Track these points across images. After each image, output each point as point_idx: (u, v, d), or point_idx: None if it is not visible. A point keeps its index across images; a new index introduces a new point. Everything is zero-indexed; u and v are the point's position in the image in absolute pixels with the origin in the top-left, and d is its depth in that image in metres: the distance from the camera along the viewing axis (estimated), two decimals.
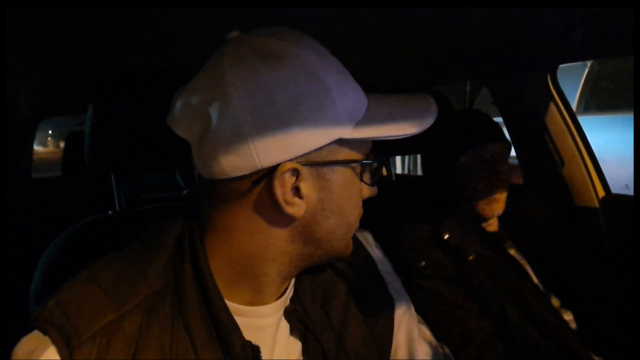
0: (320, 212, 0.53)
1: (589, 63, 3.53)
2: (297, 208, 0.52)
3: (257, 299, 0.56)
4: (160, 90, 0.64)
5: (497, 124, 1.11)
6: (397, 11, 0.93)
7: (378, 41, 1.19)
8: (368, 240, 0.75)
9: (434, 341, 0.77)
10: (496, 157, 1.05)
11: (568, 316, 1.02)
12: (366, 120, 0.53)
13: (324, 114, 0.50)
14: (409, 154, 4.62)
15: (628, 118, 3.22)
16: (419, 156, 5.68)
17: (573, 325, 1.02)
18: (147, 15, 0.87)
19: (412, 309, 0.74)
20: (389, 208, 1.09)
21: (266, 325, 0.57)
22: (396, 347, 0.70)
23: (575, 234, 1.16)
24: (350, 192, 0.56)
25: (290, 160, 0.50)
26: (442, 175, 1.10)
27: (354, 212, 0.57)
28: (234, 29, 0.55)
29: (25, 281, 0.76)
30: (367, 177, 0.58)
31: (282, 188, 0.50)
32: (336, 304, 0.63)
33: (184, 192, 1.73)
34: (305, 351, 0.59)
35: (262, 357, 0.53)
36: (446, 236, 0.99)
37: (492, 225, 1.09)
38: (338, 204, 0.54)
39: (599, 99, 3.56)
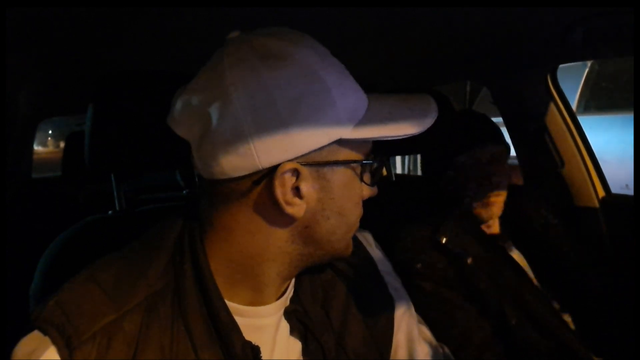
0: (320, 212, 0.53)
1: (589, 63, 3.53)
2: (297, 208, 0.52)
3: (257, 299, 0.56)
4: (160, 90, 0.64)
5: (496, 126, 1.11)
6: (397, 11, 0.93)
7: (378, 41, 1.19)
8: (368, 241, 0.75)
9: (434, 341, 0.77)
10: (495, 159, 1.05)
11: (567, 319, 1.02)
12: (366, 120, 0.53)
13: (324, 114, 0.50)
14: (409, 154, 4.62)
15: (628, 118, 3.22)
16: (419, 156, 5.69)
17: (572, 326, 1.02)
18: (147, 15, 0.87)
19: (412, 309, 0.74)
20: (389, 208, 1.08)
21: (266, 325, 0.57)
22: (396, 347, 0.70)
23: (575, 234, 1.16)
24: (350, 192, 0.56)
25: (291, 160, 0.50)
26: (442, 175, 1.10)
27: (354, 212, 0.57)
28: (234, 29, 0.55)
29: (25, 281, 0.76)
30: (367, 177, 0.58)
31: (282, 188, 0.50)
32: (336, 304, 0.63)
33: (184, 192, 1.73)
34: (305, 351, 0.59)
35: (262, 357, 0.53)
36: (444, 240, 0.98)
37: (493, 227, 1.09)
38: (338, 204, 0.54)
39: (599, 99, 3.56)
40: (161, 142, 0.82)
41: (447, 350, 0.79)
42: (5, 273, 1.11)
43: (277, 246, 0.54)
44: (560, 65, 1.45)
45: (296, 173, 0.51)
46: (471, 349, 0.90)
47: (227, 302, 0.53)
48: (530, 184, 1.60)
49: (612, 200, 1.45)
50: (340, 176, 0.54)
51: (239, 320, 0.53)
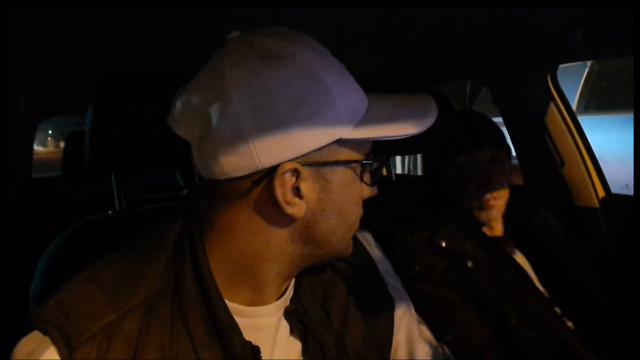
0: (320, 213, 0.53)
1: (589, 63, 3.53)
2: (297, 208, 0.52)
3: (257, 299, 0.56)
4: (160, 90, 0.64)
5: (497, 127, 1.10)
6: (397, 11, 0.93)
7: (378, 41, 1.19)
8: (368, 241, 0.75)
9: (434, 341, 0.77)
10: (494, 160, 1.04)
11: (567, 320, 1.02)
12: (366, 120, 0.53)
13: (324, 114, 0.50)
14: (409, 154, 4.62)
15: (628, 118, 3.22)
16: (419, 156, 5.69)
17: (572, 327, 1.01)
18: (147, 15, 0.87)
19: (412, 309, 0.74)
20: (389, 208, 1.08)
21: (266, 325, 0.57)
22: (396, 347, 0.70)
23: (575, 234, 1.15)
24: (350, 192, 0.56)
25: (291, 160, 0.50)
26: (442, 175, 1.10)
27: (354, 213, 0.57)
28: (234, 29, 0.55)
29: (25, 281, 0.76)
30: (367, 177, 0.58)
31: (282, 188, 0.50)
32: (336, 304, 0.63)
33: (184, 192, 1.73)
34: (305, 351, 0.59)
35: (262, 358, 0.53)
36: (444, 244, 0.98)
37: (496, 229, 1.08)
38: (338, 204, 0.54)
39: (599, 99, 3.56)
40: (161, 142, 0.82)
41: (447, 350, 0.79)
42: (5, 273, 1.11)
43: (277, 246, 0.54)
44: (560, 65, 1.45)
45: (296, 173, 0.51)
46: (471, 349, 0.90)
47: (227, 302, 0.53)
48: (530, 184, 1.60)
49: (612, 200, 1.45)
50: (340, 176, 0.54)
51: (239, 320, 0.53)
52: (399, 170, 5.75)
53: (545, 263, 1.07)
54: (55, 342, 0.47)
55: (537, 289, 1.00)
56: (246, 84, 0.49)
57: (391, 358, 0.68)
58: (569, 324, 1.00)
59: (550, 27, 1.03)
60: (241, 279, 0.55)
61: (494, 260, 1.00)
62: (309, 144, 0.50)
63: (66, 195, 2.10)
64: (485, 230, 1.06)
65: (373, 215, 0.65)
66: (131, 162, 0.85)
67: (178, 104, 0.53)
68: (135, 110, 0.83)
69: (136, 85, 0.86)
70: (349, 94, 0.53)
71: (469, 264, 0.97)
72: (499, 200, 1.04)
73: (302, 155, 0.50)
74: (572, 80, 3.53)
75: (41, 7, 0.78)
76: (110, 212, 0.92)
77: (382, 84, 1.64)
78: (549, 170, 1.52)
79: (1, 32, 0.83)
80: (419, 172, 5.57)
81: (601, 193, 1.47)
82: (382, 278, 0.72)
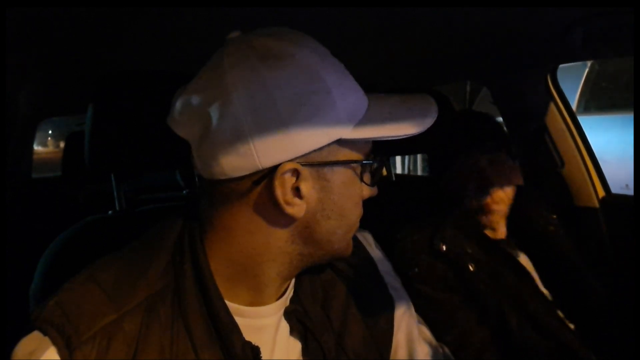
0: (320, 213, 0.53)
1: (589, 63, 3.53)
2: (297, 208, 0.52)
3: (257, 299, 0.56)
4: (160, 90, 0.64)
5: (500, 128, 1.07)
6: (397, 11, 0.93)
7: (378, 41, 1.19)
8: (368, 241, 0.75)
9: (433, 341, 0.77)
10: (496, 162, 1.01)
11: (570, 325, 1.01)
12: (366, 120, 0.53)
13: (324, 114, 0.50)
14: (409, 154, 4.62)
15: (628, 118, 3.22)
16: (419, 156, 5.69)
17: (572, 328, 1.01)
18: (147, 15, 0.87)
19: (412, 309, 0.74)
20: (389, 208, 1.08)
21: (266, 325, 0.57)
22: (396, 347, 0.70)
23: (575, 234, 1.15)
24: (350, 192, 0.56)
25: (291, 160, 0.50)
26: (442, 175, 1.10)
27: (354, 213, 0.57)
28: (234, 29, 0.55)
29: (25, 281, 0.76)
30: (367, 177, 0.58)
31: (282, 188, 0.50)
32: (336, 304, 0.63)
33: (184, 192, 1.73)
34: (305, 351, 0.58)
35: (262, 358, 0.53)
36: (444, 248, 0.96)
37: (499, 232, 1.06)
38: (338, 204, 0.54)
39: (599, 99, 3.56)
40: (161, 142, 0.82)
41: (447, 350, 0.79)
42: (5, 273, 1.11)
43: (277, 246, 0.54)
44: (560, 65, 1.45)
45: (296, 173, 0.51)
46: (471, 349, 0.90)
47: (227, 302, 0.53)
48: (530, 184, 1.60)
49: (612, 200, 1.45)
50: (340, 176, 0.54)
51: (239, 320, 0.53)
52: (399, 170, 5.76)
53: (547, 264, 1.07)
54: (55, 342, 0.47)
55: (538, 289, 1.00)
56: (246, 84, 0.49)
57: (391, 358, 0.68)
58: (571, 325, 1.00)
59: (550, 27, 1.03)
60: (241, 279, 0.55)
61: (494, 262, 0.99)
62: (309, 144, 0.50)
63: (66, 195, 2.10)
64: (487, 232, 1.05)
65: (373, 215, 0.65)
66: (131, 162, 0.85)
67: (178, 104, 0.53)
68: (135, 110, 0.83)
69: (136, 85, 0.86)
70: (349, 94, 0.53)
71: (470, 267, 0.96)
72: (500, 204, 1.02)
73: (302, 156, 0.50)
74: (572, 80, 3.53)
75: (41, 7, 0.78)
76: (110, 212, 0.92)
77: (382, 84, 1.64)
78: (549, 170, 1.52)
79: (1, 32, 0.83)
80: (419, 172, 5.57)
81: (601, 193, 1.46)
82: (382, 278, 0.72)
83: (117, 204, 0.95)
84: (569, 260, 1.07)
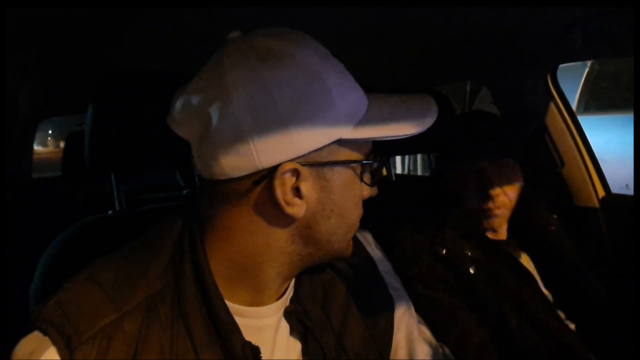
0: (320, 213, 0.54)
1: (589, 63, 3.53)
2: (297, 208, 0.52)
3: (257, 299, 0.56)
4: (160, 90, 0.64)
5: (507, 132, 1.02)
6: (397, 11, 0.93)
7: (378, 41, 1.19)
8: (368, 241, 0.75)
9: (433, 341, 0.77)
10: (500, 169, 0.99)
11: (570, 326, 1.01)
12: (366, 120, 0.53)
13: (324, 114, 0.50)
14: (409, 154, 4.62)
15: (628, 118, 3.22)
16: (419, 156, 5.69)
17: (573, 328, 1.01)
18: (147, 15, 0.87)
19: (412, 309, 0.74)
20: (389, 208, 1.08)
21: (266, 325, 0.57)
22: (396, 347, 0.70)
23: (575, 234, 1.15)
24: (350, 192, 0.56)
25: (291, 160, 0.50)
26: (442, 175, 1.09)
27: (354, 213, 0.57)
28: (234, 29, 0.55)
29: (25, 281, 0.76)
30: (367, 177, 0.58)
31: (283, 188, 0.50)
32: (336, 304, 0.63)
33: (184, 192, 1.74)
34: (305, 352, 0.58)
35: (262, 358, 0.53)
36: (443, 251, 0.95)
37: (500, 233, 1.05)
38: (338, 204, 0.54)
39: (599, 99, 3.56)
40: (161, 142, 0.82)
41: (447, 350, 0.79)
42: (5, 273, 1.11)
43: (277, 246, 0.54)
44: (560, 65, 1.45)
45: (296, 173, 0.51)
46: (471, 349, 0.90)
47: (227, 302, 0.53)
48: (530, 184, 1.60)
49: (612, 200, 1.45)
50: (340, 176, 0.54)
51: (239, 320, 0.53)
52: (399, 170, 5.76)
53: (548, 264, 1.06)
54: (55, 343, 0.47)
55: (539, 290, 0.99)
56: (246, 84, 0.49)
57: (391, 358, 0.68)
58: (571, 325, 1.00)
59: (550, 27, 1.03)
60: (241, 279, 0.55)
61: (495, 263, 0.98)
62: (309, 144, 0.50)
63: (66, 195, 2.10)
64: (489, 234, 1.04)
65: (373, 215, 0.65)
66: (131, 162, 0.85)
67: (178, 104, 0.53)
68: (135, 110, 0.83)
69: (136, 85, 0.86)
70: (349, 94, 0.53)
71: (471, 270, 0.95)
72: (502, 209, 1.00)
73: (302, 156, 0.50)
74: (572, 80, 3.53)
75: (41, 7, 0.78)
76: (110, 212, 0.92)
77: (382, 84, 1.64)
78: (549, 170, 1.52)
79: (1, 32, 0.83)
80: (419, 172, 5.57)
81: (601, 193, 1.46)
82: (382, 278, 0.72)
83: (117, 204, 0.95)
84: (570, 261, 1.07)
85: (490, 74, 1.57)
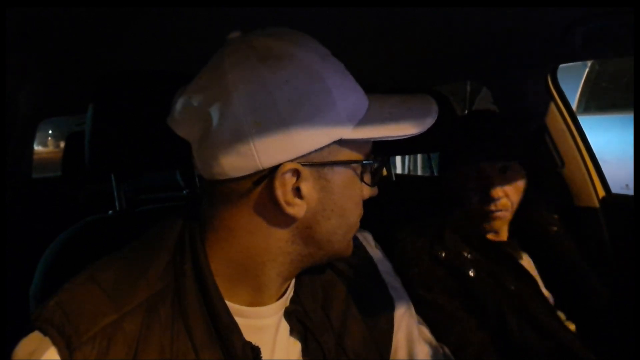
0: (321, 213, 0.53)
1: (589, 63, 3.53)
2: (297, 208, 0.52)
3: (257, 299, 0.56)
4: (160, 90, 0.64)
5: (512, 133, 1.00)
6: (397, 11, 0.93)
7: (378, 41, 1.19)
8: (368, 241, 0.75)
9: (433, 341, 0.77)
10: (503, 172, 0.98)
11: (570, 326, 1.01)
12: (367, 120, 0.53)
13: (324, 115, 0.50)
14: (409, 154, 4.62)
15: (628, 118, 3.22)
16: (419, 156, 5.69)
17: (573, 329, 1.01)
18: (147, 15, 0.87)
19: (412, 310, 0.74)
20: (389, 208, 1.08)
21: (266, 325, 0.57)
22: (396, 347, 0.70)
23: (575, 234, 1.15)
24: (351, 192, 0.56)
25: (291, 160, 0.50)
26: (444, 175, 1.09)
27: (355, 213, 0.57)
28: (234, 29, 0.55)
29: (25, 281, 0.76)
30: (367, 177, 0.58)
31: (283, 188, 0.50)
32: (336, 305, 0.63)
33: (184, 192, 1.74)
34: (305, 352, 0.58)
35: (263, 358, 0.53)
36: (443, 254, 0.95)
37: (501, 234, 1.05)
38: (339, 204, 0.54)
39: (599, 99, 3.56)
40: (161, 142, 0.82)
41: (447, 350, 0.79)
42: (5, 273, 1.11)
43: (277, 246, 0.54)
44: (560, 65, 1.45)
45: (297, 173, 0.51)
46: (471, 349, 0.90)
47: (227, 302, 0.53)
48: (531, 184, 1.60)
49: (612, 200, 1.45)
50: (340, 176, 0.54)
51: (239, 320, 0.53)
52: (399, 170, 5.76)
53: (549, 264, 1.06)
54: (55, 343, 0.47)
55: (540, 291, 0.99)
56: (247, 84, 0.49)
57: (391, 358, 0.68)
58: (572, 326, 1.00)
59: (550, 27, 1.03)
60: (241, 279, 0.55)
61: (495, 264, 0.98)
62: (310, 144, 0.50)
63: (66, 195, 2.10)
64: (489, 235, 1.03)
65: (373, 215, 0.65)
66: (131, 162, 0.85)
67: (178, 104, 0.53)
68: (135, 110, 0.83)
69: (136, 85, 0.86)
70: (349, 94, 0.53)
71: (471, 273, 0.95)
72: (504, 212, 0.99)
73: (303, 156, 0.50)
74: (572, 80, 3.53)
75: (41, 7, 0.78)
76: (110, 212, 0.93)
77: (382, 84, 1.64)
78: (549, 170, 1.52)
79: (1, 32, 0.83)
80: (419, 172, 5.57)
81: (601, 193, 1.46)
82: (382, 278, 0.72)
83: (117, 204, 0.95)
84: (571, 261, 1.06)
85: (490, 74, 1.57)
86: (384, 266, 0.74)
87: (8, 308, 1.01)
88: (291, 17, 0.90)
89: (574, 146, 1.48)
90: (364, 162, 0.56)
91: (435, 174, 1.17)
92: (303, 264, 0.57)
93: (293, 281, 0.61)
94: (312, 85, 0.50)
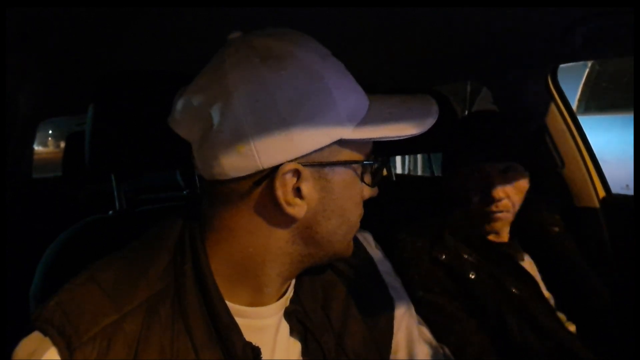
0: (321, 213, 0.53)
1: (589, 63, 3.53)
2: (298, 209, 0.52)
3: (257, 299, 0.56)
4: (161, 90, 0.64)
5: (506, 132, 0.99)
6: (397, 11, 0.93)
7: (378, 41, 1.19)
8: (368, 241, 0.75)
9: (433, 342, 0.77)
10: (505, 173, 0.97)
11: (571, 327, 1.01)
12: (367, 120, 0.53)
13: (324, 115, 0.50)
14: (409, 154, 4.62)
15: (628, 118, 3.22)
16: (419, 156, 5.68)
17: (574, 329, 1.01)
18: (147, 15, 0.87)
19: (412, 310, 0.74)
20: (389, 208, 1.08)
21: (267, 326, 0.57)
22: (396, 347, 0.70)
23: (575, 234, 1.15)
24: (351, 192, 0.56)
25: (292, 161, 0.50)
26: (444, 175, 1.09)
27: (355, 213, 0.57)
28: (235, 29, 0.55)
29: (25, 281, 0.76)
30: (368, 177, 0.58)
31: (283, 189, 0.50)
32: (336, 305, 0.63)
33: (184, 192, 1.74)
34: (305, 352, 0.59)
35: (263, 358, 0.53)
36: (443, 257, 0.95)
37: (502, 235, 1.04)
38: (339, 204, 0.54)
39: (599, 99, 3.56)
40: (161, 142, 0.82)
41: (447, 350, 0.79)
42: (5, 273, 1.11)
43: (277, 247, 0.54)
44: (560, 65, 1.45)
45: (297, 173, 0.51)
46: (470, 349, 0.90)
47: (227, 302, 0.53)
48: (531, 184, 1.60)
49: (612, 200, 1.45)
50: (341, 176, 0.54)
51: (239, 320, 0.53)
52: (399, 170, 5.76)
53: (551, 265, 1.06)
54: (55, 343, 0.47)
55: (540, 292, 0.99)
56: (247, 85, 0.49)
57: (391, 358, 0.68)
58: (572, 327, 1.00)
59: (550, 27, 1.03)
60: (242, 280, 0.55)
61: (495, 266, 0.98)
62: (310, 144, 0.50)
63: (66, 195, 2.10)
64: (490, 236, 1.02)
65: (373, 215, 0.65)
66: (131, 162, 0.85)
67: (179, 105, 0.53)
68: (135, 110, 0.83)
69: (136, 85, 0.86)
70: (349, 94, 0.53)
71: (471, 275, 0.94)
72: (505, 213, 0.98)
73: (303, 156, 0.50)
74: (572, 80, 3.53)
75: (41, 7, 0.78)
76: (110, 212, 0.92)
77: (382, 84, 1.64)
78: (549, 170, 1.52)
79: (1, 32, 0.83)
80: (419, 172, 5.57)
81: (601, 193, 1.46)
82: (382, 278, 0.72)
83: (117, 204, 0.95)
84: (572, 261, 1.06)
85: (490, 74, 1.57)
86: (384, 266, 0.74)
87: (8, 308, 1.01)
88: (291, 17, 0.90)
89: (574, 146, 1.48)
90: (365, 162, 0.56)
91: (437, 174, 1.17)
92: (303, 264, 0.57)
93: (293, 281, 0.61)
94: (313, 86, 0.50)
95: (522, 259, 1.04)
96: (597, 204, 1.45)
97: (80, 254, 0.64)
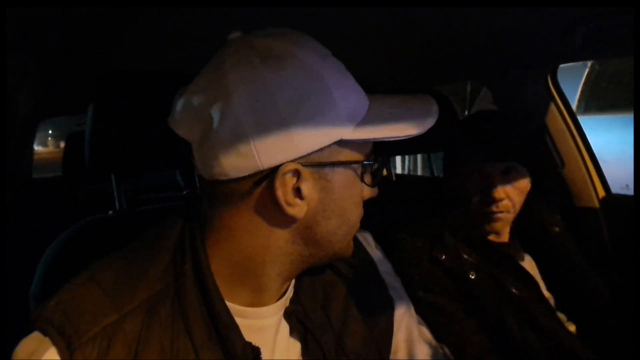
0: (321, 213, 0.54)
1: (589, 63, 3.53)
2: (298, 209, 0.52)
3: (257, 299, 0.56)
4: (161, 90, 0.64)
5: (515, 134, 0.99)
6: (397, 11, 0.93)
7: (378, 41, 1.19)
8: (368, 241, 0.75)
9: (433, 342, 0.77)
10: (506, 173, 0.97)
11: (571, 327, 1.01)
12: (367, 121, 0.53)
13: (324, 115, 0.50)
14: (409, 154, 4.62)
15: (628, 118, 3.22)
16: (419, 156, 5.68)
17: (574, 329, 1.01)
18: (147, 15, 0.87)
19: (412, 310, 0.74)
20: (389, 208, 1.08)
21: (267, 326, 0.57)
22: (396, 347, 0.70)
23: (575, 234, 1.15)
24: (351, 192, 0.56)
25: (292, 161, 0.50)
26: (445, 175, 1.09)
27: (355, 213, 0.57)
28: (235, 29, 0.55)
29: (25, 281, 0.76)
30: (368, 177, 0.58)
31: (283, 189, 0.50)
32: (336, 305, 0.63)
33: (184, 192, 1.74)
34: (305, 352, 0.59)
35: (263, 358, 0.53)
36: (443, 257, 0.94)
37: (502, 236, 1.04)
38: (339, 204, 0.54)
39: (599, 99, 3.56)
40: (161, 142, 0.82)
41: (447, 350, 0.79)
42: (5, 273, 1.11)
43: (277, 247, 0.54)
44: (560, 65, 1.45)
45: (297, 174, 0.51)
46: (470, 349, 0.90)
47: (227, 302, 0.53)
48: (531, 184, 1.60)
49: (612, 200, 1.45)
50: (341, 177, 0.54)
51: (239, 321, 0.53)
52: (399, 170, 5.76)
53: (551, 265, 1.06)
54: (55, 343, 0.47)
55: (541, 293, 0.99)
56: (247, 85, 0.49)
57: (391, 358, 0.68)
58: (572, 327, 1.00)
59: (550, 27, 1.03)
60: (242, 280, 0.55)
61: (495, 266, 0.98)
62: (310, 144, 0.50)
63: (66, 195, 2.10)
64: (491, 236, 1.02)
65: (373, 215, 0.65)
66: (131, 162, 0.85)
67: (179, 105, 0.53)
68: (135, 110, 0.83)
69: (136, 85, 0.86)
70: (349, 94, 0.53)
71: (471, 275, 0.94)
72: (505, 213, 0.98)
73: (303, 156, 0.50)
74: (572, 80, 3.53)
75: (41, 7, 0.78)
76: (110, 212, 0.92)
77: (382, 84, 1.64)
78: (549, 170, 1.52)
79: (1, 32, 0.83)
80: (419, 172, 5.57)
81: (601, 193, 1.46)
82: (382, 279, 0.72)
83: (117, 204, 0.95)
84: (572, 261, 1.06)
85: (490, 74, 1.57)
86: (384, 266, 0.74)
87: (8, 308, 1.01)
88: (291, 17, 0.90)
89: (574, 146, 1.48)
90: (365, 162, 0.56)
91: (437, 174, 1.17)
92: (303, 264, 0.57)
93: (293, 281, 0.61)
94: (313, 86, 0.50)
95: (522, 259, 1.03)
96: (597, 204, 1.45)
97: (80, 254, 0.64)
